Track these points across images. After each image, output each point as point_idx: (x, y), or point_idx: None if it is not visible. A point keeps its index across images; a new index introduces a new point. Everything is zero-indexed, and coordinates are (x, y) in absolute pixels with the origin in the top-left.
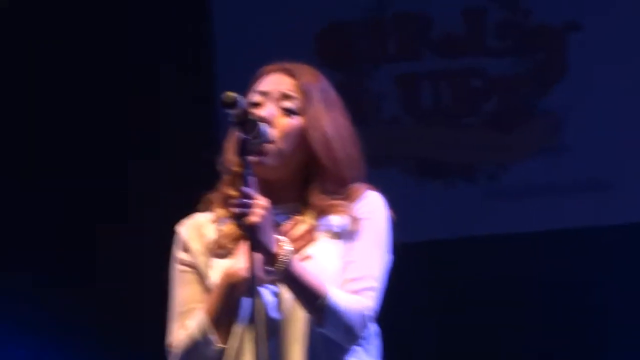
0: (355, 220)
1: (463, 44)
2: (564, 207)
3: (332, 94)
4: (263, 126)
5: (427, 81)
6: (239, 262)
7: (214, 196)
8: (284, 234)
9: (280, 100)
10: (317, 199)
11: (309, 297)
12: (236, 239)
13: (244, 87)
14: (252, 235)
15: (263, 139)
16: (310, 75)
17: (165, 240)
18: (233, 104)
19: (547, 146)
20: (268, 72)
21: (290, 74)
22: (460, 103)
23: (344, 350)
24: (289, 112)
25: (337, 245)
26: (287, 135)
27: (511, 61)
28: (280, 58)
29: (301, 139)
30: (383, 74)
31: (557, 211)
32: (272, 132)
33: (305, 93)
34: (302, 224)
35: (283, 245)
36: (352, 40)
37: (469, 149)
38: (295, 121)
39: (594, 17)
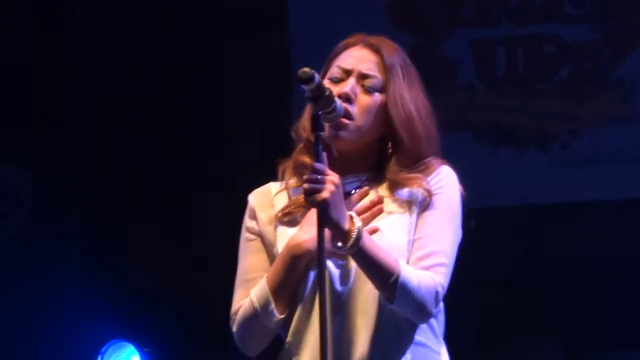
0: (428, 193)
1: (539, 11)
2: (635, 176)
3: (413, 69)
4: (338, 102)
5: (502, 47)
6: (303, 233)
7: (288, 163)
8: (352, 204)
9: (362, 79)
10: (393, 173)
11: (381, 274)
12: (305, 207)
13: (318, 52)
14: (323, 212)
15: (338, 114)
16: (394, 51)
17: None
18: (309, 79)
19: (620, 114)
20: (351, 45)
21: (374, 49)
22: (535, 70)
23: (411, 325)
24: (370, 89)
25: (406, 218)
26: (367, 112)
27: (587, 28)
28: (353, 23)
29: (381, 116)
30: (458, 39)
31: (628, 180)
32: (353, 109)
33: (389, 70)
34: (371, 195)
35: (354, 221)
36: (427, 5)
37: (542, 116)
38: (376, 99)
39: None
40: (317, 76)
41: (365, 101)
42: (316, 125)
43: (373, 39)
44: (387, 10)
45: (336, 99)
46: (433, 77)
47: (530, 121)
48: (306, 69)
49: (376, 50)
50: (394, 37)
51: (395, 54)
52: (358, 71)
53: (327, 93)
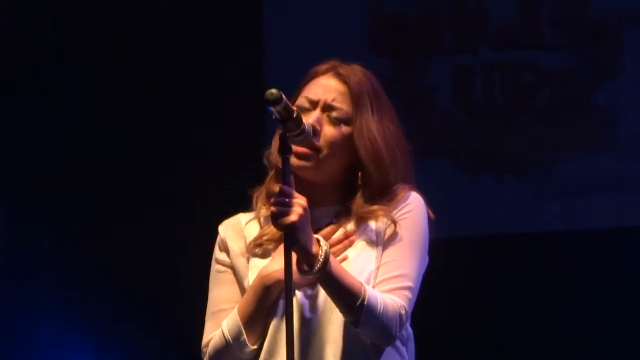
0: (394, 223)
1: (518, 38)
2: (615, 204)
3: (383, 97)
4: (307, 124)
5: (480, 74)
6: (275, 264)
7: (259, 192)
8: (324, 238)
9: (327, 110)
10: (359, 206)
11: (346, 297)
12: (276, 240)
13: (295, 78)
14: (290, 235)
15: (306, 136)
16: (363, 80)
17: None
18: (276, 100)
19: (600, 142)
20: (320, 74)
21: (342, 79)
22: (514, 97)
23: (378, 352)
24: (336, 121)
25: (374, 249)
26: (332, 144)
27: (566, 55)
28: (332, 48)
29: (347, 147)
30: (437, 66)
31: (608, 208)
32: (318, 141)
33: (356, 101)
34: (341, 228)
35: (321, 244)
36: (407, 31)
37: (522, 143)
38: (342, 130)
39: None
40: (284, 98)
41: (331, 133)
42: (284, 148)
43: (342, 68)
44: (366, 36)
45: (304, 121)
46: (411, 103)
47: (509, 149)
48: (273, 90)
49: (344, 79)
50: (373, 62)
51: (364, 83)
52: (324, 101)
53: (294, 115)
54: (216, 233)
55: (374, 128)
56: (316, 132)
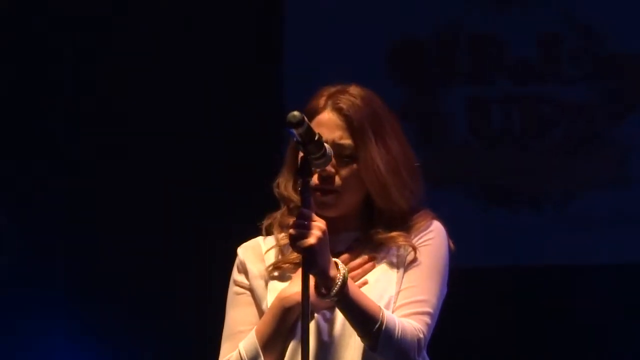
0: (414, 250)
1: (536, 70)
2: (629, 240)
3: (384, 117)
4: (327, 146)
5: (497, 105)
6: (294, 286)
7: (270, 220)
8: (342, 263)
9: (336, 149)
10: (377, 233)
11: (364, 320)
12: (296, 264)
13: None
14: (308, 257)
15: (327, 159)
16: (361, 107)
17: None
18: (298, 123)
19: (616, 176)
20: (320, 110)
21: (342, 113)
22: (530, 129)
23: None
24: (346, 160)
25: (394, 272)
26: (348, 183)
27: (584, 89)
28: (349, 75)
29: (361, 181)
30: (453, 95)
31: (622, 244)
32: (334, 183)
33: (358, 135)
34: (361, 254)
35: (339, 267)
36: (424, 60)
37: (536, 176)
38: (353, 167)
39: None
40: (306, 120)
41: (345, 173)
42: (304, 171)
43: (340, 99)
44: (384, 63)
45: (325, 144)
46: (427, 132)
47: (524, 180)
48: (295, 113)
49: (344, 114)
50: (389, 89)
51: (363, 111)
52: (332, 141)
53: (316, 138)
54: (235, 255)
55: (378, 158)
56: (331, 175)
